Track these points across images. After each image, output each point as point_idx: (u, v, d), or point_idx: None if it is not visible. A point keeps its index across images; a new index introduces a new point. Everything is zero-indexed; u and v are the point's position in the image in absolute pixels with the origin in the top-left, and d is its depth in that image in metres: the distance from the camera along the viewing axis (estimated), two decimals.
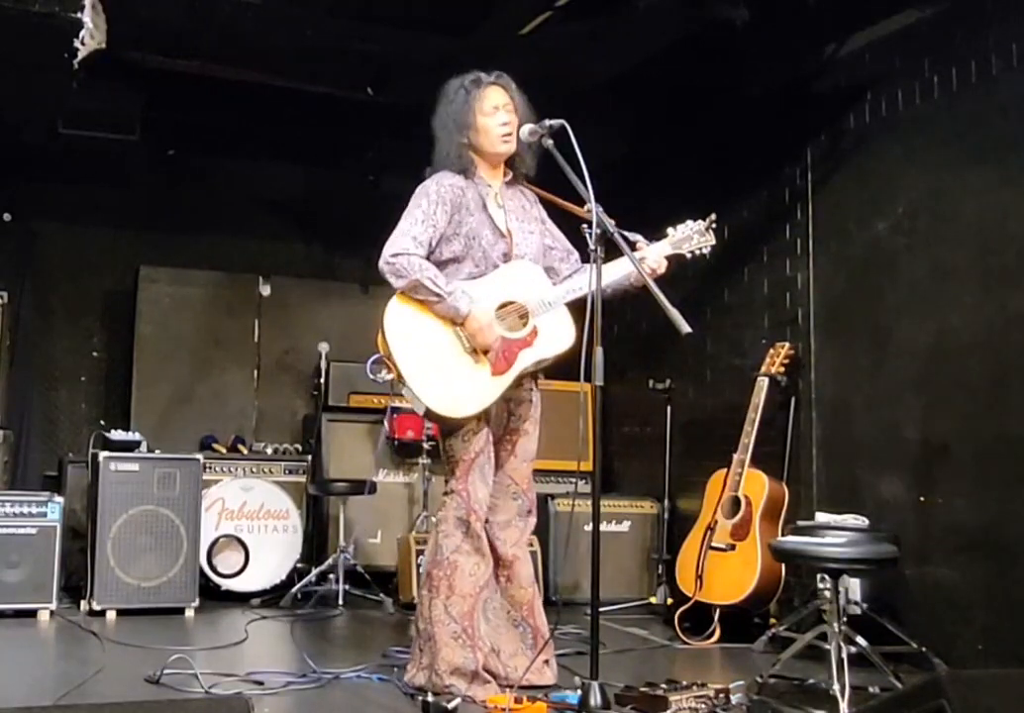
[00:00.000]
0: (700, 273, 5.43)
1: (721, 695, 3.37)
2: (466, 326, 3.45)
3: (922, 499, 4.26)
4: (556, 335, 3.53)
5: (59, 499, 4.91)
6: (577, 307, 3.51)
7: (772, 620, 4.73)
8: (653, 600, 5.40)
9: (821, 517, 4.24)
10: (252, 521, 5.48)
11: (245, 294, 6.60)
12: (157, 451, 5.35)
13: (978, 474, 4.04)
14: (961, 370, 4.15)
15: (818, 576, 3.66)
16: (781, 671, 3.73)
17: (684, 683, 3.38)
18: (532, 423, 3.70)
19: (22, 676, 3.74)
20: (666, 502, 5.52)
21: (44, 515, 4.83)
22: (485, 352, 3.46)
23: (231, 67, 5.37)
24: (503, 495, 3.66)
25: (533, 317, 3.52)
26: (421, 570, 3.67)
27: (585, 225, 3.25)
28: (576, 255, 3.77)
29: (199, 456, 5.22)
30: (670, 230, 3.64)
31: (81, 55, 4.45)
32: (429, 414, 3.45)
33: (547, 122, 3.42)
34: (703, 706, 3.30)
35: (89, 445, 5.21)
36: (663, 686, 3.34)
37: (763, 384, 4.81)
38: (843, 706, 3.31)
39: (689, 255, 3.64)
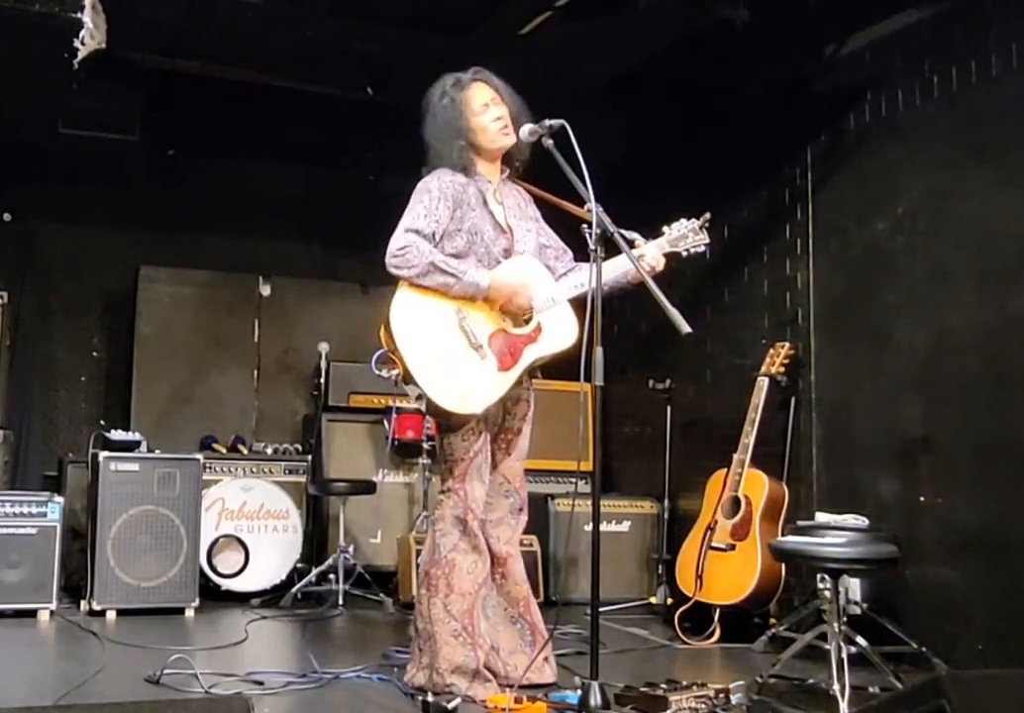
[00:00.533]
0: (700, 273, 5.44)
1: (721, 695, 3.37)
2: (494, 295, 3.45)
3: (922, 499, 4.26)
4: (560, 331, 3.54)
5: (59, 499, 4.91)
6: (577, 307, 3.52)
7: (772, 620, 4.73)
8: (653, 600, 5.40)
9: (821, 517, 4.24)
10: (252, 521, 5.48)
11: (245, 294, 6.60)
12: (157, 451, 5.35)
13: (978, 474, 4.04)
14: (961, 370, 4.15)
15: (818, 576, 3.66)
16: (781, 671, 3.72)
17: (684, 683, 3.38)
18: (527, 422, 3.71)
19: (22, 676, 3.74)
20: (666, 502, 5.52)
21: (44, 515, 4.83)
22: (527, 317, 3.47)
23: (231, 67, 5.37)
24: (496, 493, 3.66)
25: (537, 313, 3.53)
26: (419, 569, 3.67)
27: (585, 225, 3.25)
28: (570, 254, 3.78)
29: (199, 456, 5.22)
30: (665, 228, 3.64)
31: (81, 55, 4.45)
32: (433, 409, 3.44)
33: (547, 122, 3.42)
34: (703, 706, 3.30)
35: (89, 445, 5.21)
36: (663, 686, 3.34)
37: (763, 384, 4.81)
38: (843, 706, 3.31)
39: (685, 253, 3.64)
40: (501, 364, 3.47)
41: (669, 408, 5.49)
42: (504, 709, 3.20)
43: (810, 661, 3.84)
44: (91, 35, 4.37)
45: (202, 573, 5.17)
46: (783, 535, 4.34)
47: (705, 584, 4.69)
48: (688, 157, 5.76)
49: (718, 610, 4.61)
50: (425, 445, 5.77)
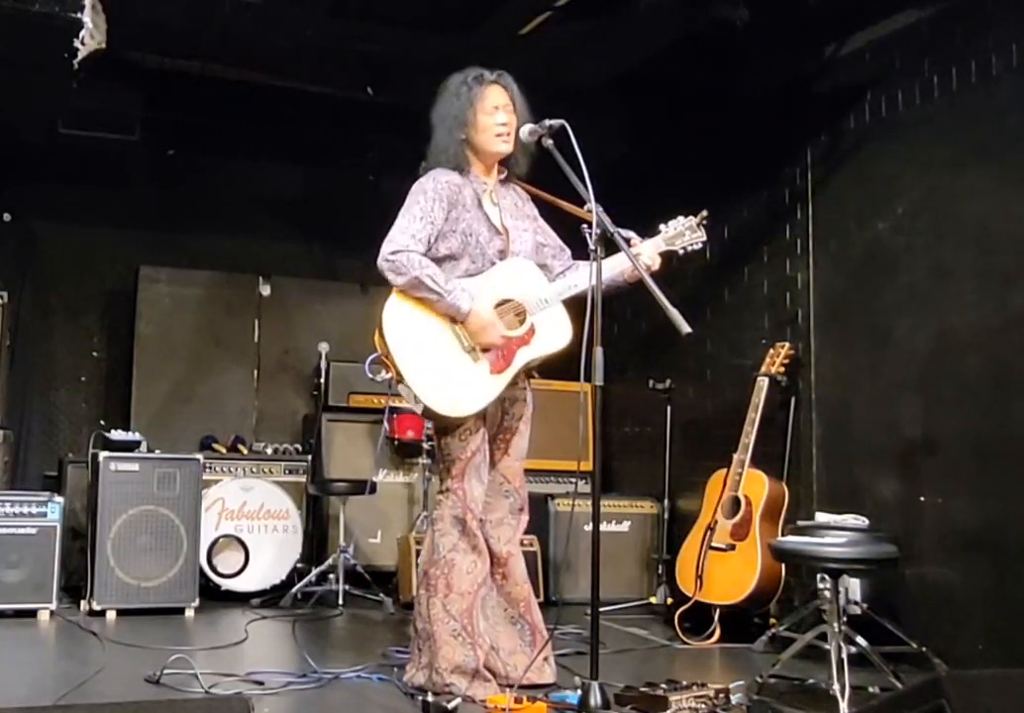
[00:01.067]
0: (700, 273, 5.44)
1: (721, 695, 3.37)
2: (468, 324, 3.45)
3: (922, 499, 4.26)
4: (553, 333, 3.54)
5: (59, 499, 4.91)
6: (577, 307, 3.51)
7: (772, 620, 4.73)
8: (653, 600, 5.40)
9: (821, 517, 4.24)
10: (252, 521, 5.48)
11: (245, 294, 6.59)
12: (157, 451, 5.35)
13: (978, 474, 4.04)
14: (961, 370, 4.15)
15: (818, 576, 3.66)
16: (781, 671, 3.73)
17: (684, 683, 3.38)
18: (525, 422, 3.71)
19: (22, 676, 3.74)
20: (666, 502, 5.53)
21: (44, 515, 4.83)
22: (486, 350, 3.46)
23: (231, 67, 5.37)
24: (496, 493, 3.66)
25: (530, 315, 3.52)
26: (419, 569, 3.67)
27: (585, 225, 3.25)
28: (568, 252, 3.78)
29: (199, 456, 5.22)
30: (662, 226, 3.63)
31: (81, 55, 4.45)
32: (427, 413, 3.45)
33: (547, 122, 3.42)
34: (703, 706, 3.30)
35: (89, 445, 5.21)
36: (663, 686, 3.34)
37: (763, 384, 4.81)
38: (843, 706, 3.31)
39: (681, 251, 3.63)
40: (494, 367, 3.47)
41: (669, 408, 5.50)
42: (504, 709, 3.20)
43: (810, 661, 3.84)
44: (91, 35, 4.37)
45: (202, 573, 5.17)
46: (783, 535, 4.35)
47: (705, 584, 4.69)
48: (688, 157, 5.76)
49: (718, 610, 4.62)
50: (425, 445, 5.77)
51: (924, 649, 3.92)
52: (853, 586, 4.11)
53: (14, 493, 4.99)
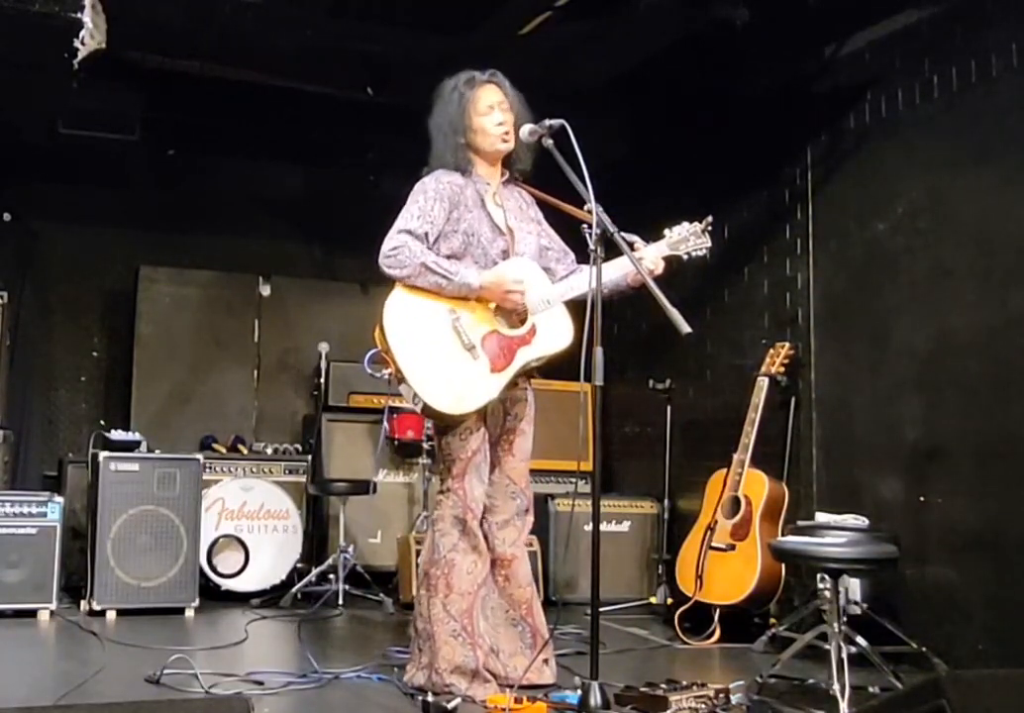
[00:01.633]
0: (700, 273, 5.43)
1: (721, 695, 3.37)
2: (488, 293, 3.45)
3: (922, 499, 4.26)
4: (554, 333, 3.53)
5: (59, 499, 4.91)
6: (577, 307, 3.51)
7: (772, 620, 4.73)
8: (653, 600, 5.40)
9: (821, 517, 4.24)
10: (252, 521, 5.48)
11: (245, 294, 6.59)
12: (157, 451, 5.35)
13: (978, 474, 4.04)
14: (961, 370, 4.15)
15: (818, 576, 3.66)
16: (781, 671, 3.73)
17: (684, 683, 3.37)
18: (528, 422, 3.71)
19: (22, 676, 3.74)
20: (666, 502, 5.52)
21: (44, 515, 4.83)
22: (521, 319, 3.47)
23: (231, 67, 5.37)
24: (501, 495, 3.65)
25: (532, 315, 3.52)
26: (419, 569, 3.67)
27: (585, 225, 3.24)
28: (572, 256, 3.77)
29: (199, 456, 5.22)
30: (667, 231, 3.63)
31: (81, 55, 4.45)
32: (427, 411, 3.44)
33: (547, 122, 3.42)
34: (703, 706, 3.30)
35: (89, 445, 5.21)
36: (663, 686, 3.34)
37: (763, 384, 4.81)
38: (843, 706, 3.31)
39: (686, 256, 3.63)
40: (494, 365, 3.46)
41: (669, 408, 5.50)
42: (504, 709, 3.20)
43: (810, 661, 3.85)
44: (91, 35, 4.37)
45: (202, 573, 5.17)
46: (783, 535, 4.34)
47: (705, 584, 4.69)
48: (688, 157, 5.76)
49: (718, 610, 4.62)
50: (425, 445, 5.77)
51: (924, 649, 3.92)
52: (853, 586, 4.11)
53: (14, 493, 4.99)
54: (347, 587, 5.28)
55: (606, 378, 3.09)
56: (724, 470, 4.82)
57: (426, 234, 3.48)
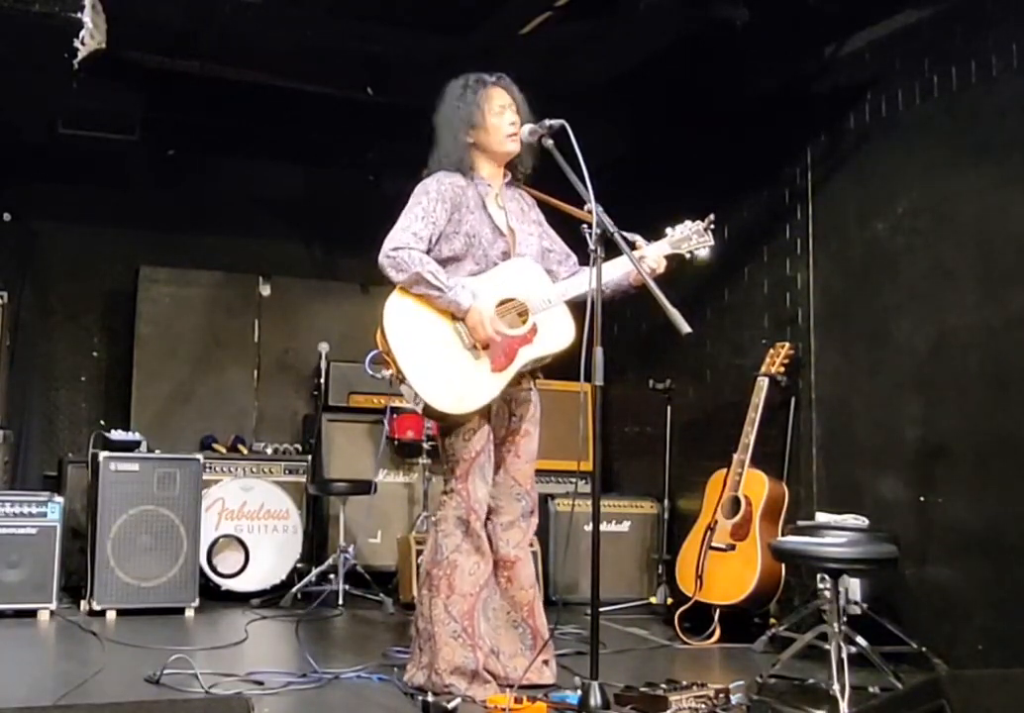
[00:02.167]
0: (700, 273, 5.42)
1: (721, 695, 3.36)
2: (467, 320, 3.45)
3: (922, 499, 4.26)
4: (556, 332, 3.53)
5: (59, 499, 4.91)
6: (577, 307, 3.51)
7: (772, 620, 4.73)
8: (653, 600, 5.40)
9: (821, 517, 4.24)
10: (252, 521, 5.48)
11: (245, 294, 6.59)
12: (157, 451, 5.35)
13: (978, 474, 4.04)
14: (961, 370, 4.15)
15: (818, 576, 3.66)
16: (781, 671, 3.73)
17: (684, 683, 3.37)
18: (533, 423, 3.71)
19: (22, 676, 3.74)
20: (666, 502, 5.53)
21: (44, 515, 4.83)
22: (485, 347, 3.46)
23: (231, 67, 5.37)
24: (506, 496, 3.65)
25: (533, 314, 3.52)
26: (421, 569, 3.67)
27: (585, 225, 3.24)
28: (574, 258, 3.77)
29: (199, 456, 5.22)
30: (668, 230, 3.63)
31: (81, 55, 4.45)
32: (428, 411, 3.44)
33: (547, 122, 3.42)
34: (703, 706, 3.30)
35: (89, 445, 5.21)
36: (663, 686, 3.34)
37: (763, 384, 4.81)
38: (843, 706, 3.31)
39: (688, 255, 3.63)
40: (495, 364, 3.46)
41: (669, 408, 5.50)
42: (504, 709, 3.20)
43: (810, 661, 3.85)
44: (91, 35, 4.37)
45: (202, 573, 5.17)
46: (783, 535, 4.34)
47: (705, 584, 4.69)
48: (688, 157, 5.76)
49: (718, 610, 4.62)
50: (425, 445, 5.77)
51: (924, 649, 3.92)
52: (853, 586, 4.11)
53: (14, 493, 4.99)
54: (347, 587, 5.28)
55: (606, 378, 3.09)
56: (724, 470, 4.82)
57: (429, 236, 3.49)
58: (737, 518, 4.70)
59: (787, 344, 4.89)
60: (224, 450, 6.08)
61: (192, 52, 5.20)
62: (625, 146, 6.01)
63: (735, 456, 4.76)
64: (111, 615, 4.82)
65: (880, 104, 4.64)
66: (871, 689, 3.60)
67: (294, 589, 5.30)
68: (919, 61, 4.43)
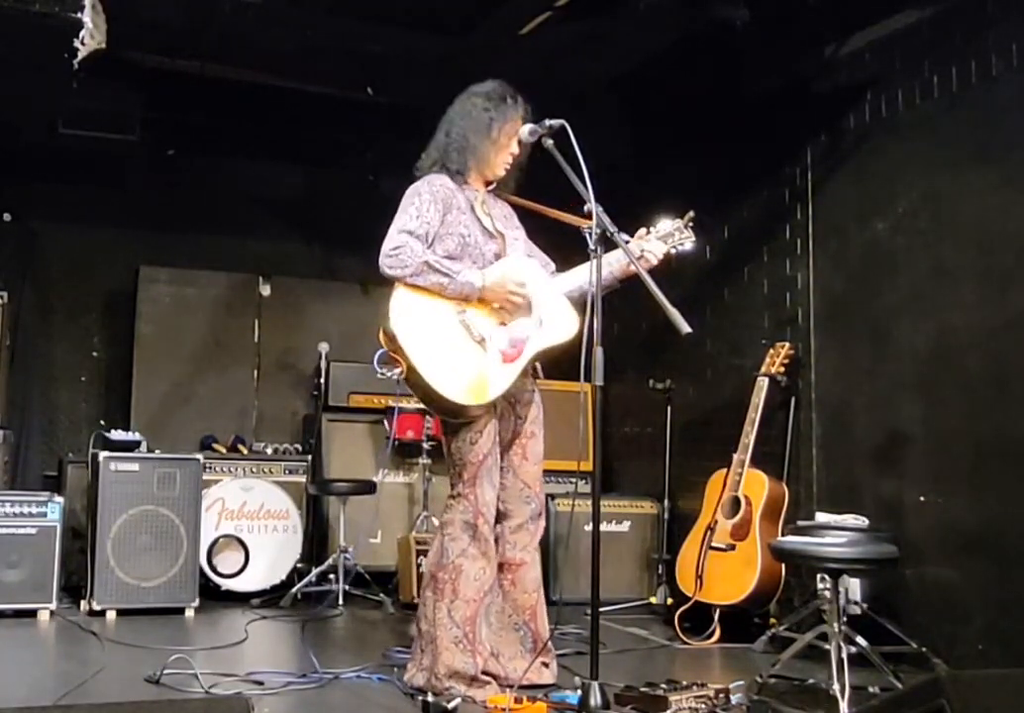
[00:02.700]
0: (700, 273, 5.44)
1: (721, 695, 3.37)
2: (488, 293, 3.45)
3: (922, 499, 4.26)
4: (561, 323, 3.54)
5: (59, 499, 4.91)
6: (577, 306, 3.52)
7: (772, 620, 4.73)
8: (653, 600, 5.40)
9: (821, 517, 4.24)
10: (252, 521, 5.48)
11: (245, 294, 6.59)
12: (157, 451, 5.35)
13: (978, 474, 4.04)
14: (961, 370, 4.15)
15: (818, 576, 3.66)
16: (781, 671, 3.72)
17: (684, 683, 3.37)
18: (538, 425, 3.71)
19: (22, 676, 3.74)
20: (666, 502, 5.53)
21: (44, 515, 4.83)
22: (513, 311, 3.47)
23: (231, 67, 5.38)
24: (515, 500, 3.65)
25: (537, 306, 3.53)
26: (422, 570, 3.66)
27: (585, 226, 3.25)
28: (552, 266, 3.82)
29: (199, 456, 5.22)
30: (651, 228, 3.66)
31: (81, 55, 4.45)
32: (442, 405, 3.41)
33: (547, 122, 3.43)
34: (703, 706, 3.30)
35: (89, 445, 5.21)
36: (663, 686, 3.34)
37: (763, 384, 4.81)
38: (843, 706, 3.31)
39: (673, 251, 3.66)
40: (505, 356, 3.47)
41: (669, 408, 5.50)
42: (504, 709, 3.20)
43: (810, 661, 3.84)
44: (91, 35, 4.37)
45: (202, 573, 5.17)
46: (783, 535, 4.34)
47: (705, 584, 4.69)
48: (688, 157, 5.76)
49: (718, 610, 4.61)
50: (425, 445, 5.77)
51: (924, 649, 3.92)
52: (853, 586, 4.11)
53: (14, 493, 5.00)
54: (347, 587, 5.28)
55: (606, 378, 3.09)
56: (724, 470, 4.82)
57: (425, 234, 3.49)
58: (737, 518, 4.70)
59: (787, 344, 4.89)
60: (224, 450, 6.08)
61: (192, 52, 5.20)
62: (625, 146, 6.01)
63: (735, 456, 4.76)
64: (111, 615, 4.82)
65: (880, 104, 4.64)
66: (871, 689, 3.61)
67: (294, 589, 5.30)
68: (919, 61, 4.43)
